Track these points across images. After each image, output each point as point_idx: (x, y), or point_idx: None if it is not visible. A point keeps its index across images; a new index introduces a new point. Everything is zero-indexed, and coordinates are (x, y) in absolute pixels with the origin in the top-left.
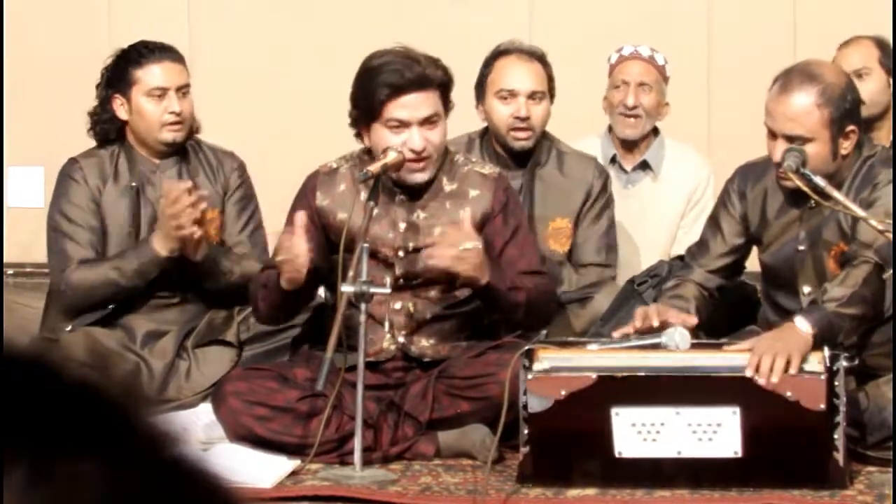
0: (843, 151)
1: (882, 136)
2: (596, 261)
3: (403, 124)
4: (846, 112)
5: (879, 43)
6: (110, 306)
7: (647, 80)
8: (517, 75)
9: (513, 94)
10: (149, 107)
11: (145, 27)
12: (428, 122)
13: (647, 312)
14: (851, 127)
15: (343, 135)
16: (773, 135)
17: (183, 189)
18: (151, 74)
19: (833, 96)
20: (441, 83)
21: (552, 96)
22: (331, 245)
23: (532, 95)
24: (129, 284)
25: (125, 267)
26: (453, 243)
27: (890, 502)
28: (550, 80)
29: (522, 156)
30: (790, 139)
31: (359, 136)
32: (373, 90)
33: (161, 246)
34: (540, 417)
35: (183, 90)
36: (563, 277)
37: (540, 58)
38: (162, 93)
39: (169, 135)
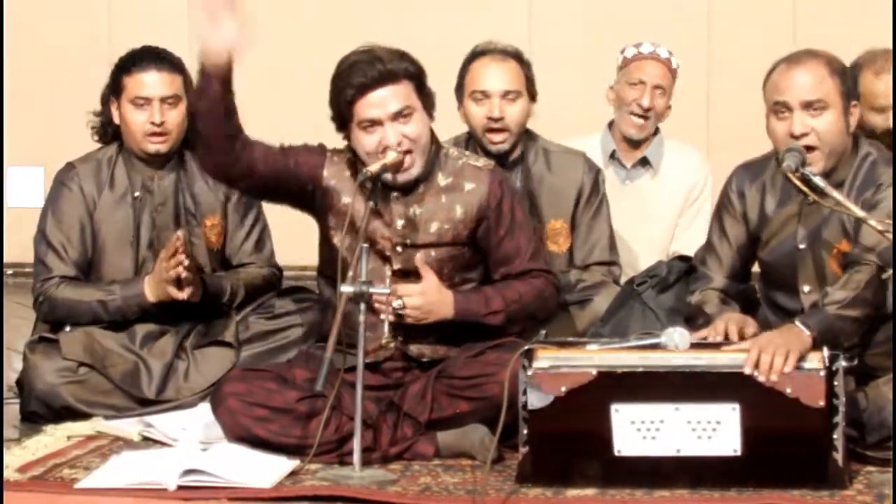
0: (850, 129)
1: None
2: (603, 259)
3: (375, 123)
4: (850, 87)
5: None
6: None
7: (663, 84)
8: (489, 76)
9: (486, 94)
10: (132, 115)
11: (145, 29)
12: (400, 115)
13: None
14: (854, 103)
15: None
16: (785, 110)
17: (178, 240)
18: (136, 83)
19: (839, 68)
20: (409, 75)
21: (532, 96)
22: (328, 228)
23: (506, 95)
24: (108, 318)
25: (109, 303)
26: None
27: (890, 502)
28: (528, 79)
29: (508, 158)
30: (808, 105)
31: (347, 139)
32: (341, 96)
33: (151, 292)
34: (540, 414)
35: (170, 101)
36: (564, 284)
37: (516, 56)
38: (145, 102)
39: (151, 146)
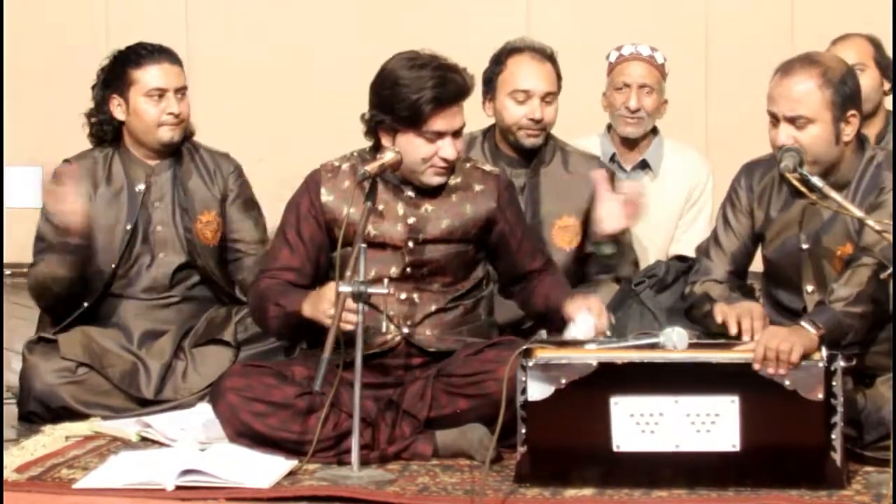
0: (846, 138)
1: (871, 133)
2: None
3: (439, 135)
4: (847, 96)
5: (873, 41)
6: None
7: (649, 82)
8: (533, 76)
9: (528, 94)
10: (147, 108)
11: (143, 28)
12: (459, 132)
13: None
14: (853, 111)
15: (342, 134)
16: (775, 120)
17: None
18: (150, 75)
19: (834, 79)
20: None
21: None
22: (335, 239)
23: (546, 96)
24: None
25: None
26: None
27: (888, 502)
28: (559, 79)
29: (527, 154)
30: (792, 121)
31: (368, 134)
32: (417, 101)
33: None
34: (539, 407)
35: (181, 92)
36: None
37: (551, 58)
38: (161, 94)
39: (167, 133)
